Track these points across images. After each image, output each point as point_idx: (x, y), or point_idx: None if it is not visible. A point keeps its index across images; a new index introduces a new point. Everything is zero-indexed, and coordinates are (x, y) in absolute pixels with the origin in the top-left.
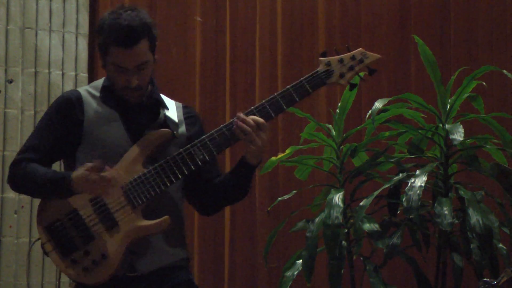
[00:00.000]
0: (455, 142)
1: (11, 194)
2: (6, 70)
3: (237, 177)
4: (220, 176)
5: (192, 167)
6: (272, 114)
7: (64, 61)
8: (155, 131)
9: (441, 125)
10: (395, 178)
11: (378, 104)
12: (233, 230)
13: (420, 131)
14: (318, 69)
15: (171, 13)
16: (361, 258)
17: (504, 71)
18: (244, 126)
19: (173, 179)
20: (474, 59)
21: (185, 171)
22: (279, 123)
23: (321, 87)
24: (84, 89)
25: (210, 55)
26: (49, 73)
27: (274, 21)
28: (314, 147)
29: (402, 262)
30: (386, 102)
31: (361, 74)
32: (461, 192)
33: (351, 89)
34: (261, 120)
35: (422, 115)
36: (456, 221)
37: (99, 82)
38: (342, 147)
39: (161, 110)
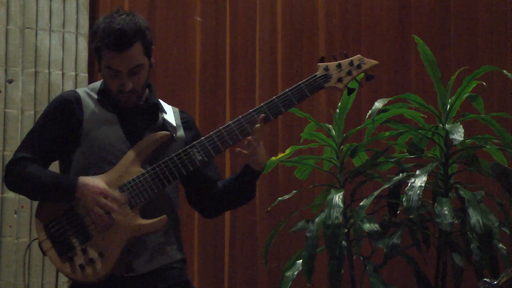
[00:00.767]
0: (455, 142)
1: (11, 194)
2: (6, 70)
3: (242, 183)
4: (220, 178)
5: (191, 167)
6: (271, 117)
7: (64, 61)
8: (155, 133)
9: (441, 125)
10: (395, 178)
11: (378, 104)
12: (233, 230)
13: (420, 131)
14: (316, 73)
15: (171, 13)
16: (361, 258)
17: (504, 71)
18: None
19: (171, 179)
20: (474, 59)
21: (184, 172)
22: (279, 123)
23: (319, 91)
24: (82, 90)
25: (210, 55)
26: (49, 73)
27: (274, 21)
28: (314, 147)
29: (402, 262)
30: (386, 102)
31: (359, 77)
32: (461, 192)
33: (349, 93)
34: (258, 127)
35: (422, 115)
36: (456, 221)
37: (97, 84)
38: (342, 147)
39: (160, 114)
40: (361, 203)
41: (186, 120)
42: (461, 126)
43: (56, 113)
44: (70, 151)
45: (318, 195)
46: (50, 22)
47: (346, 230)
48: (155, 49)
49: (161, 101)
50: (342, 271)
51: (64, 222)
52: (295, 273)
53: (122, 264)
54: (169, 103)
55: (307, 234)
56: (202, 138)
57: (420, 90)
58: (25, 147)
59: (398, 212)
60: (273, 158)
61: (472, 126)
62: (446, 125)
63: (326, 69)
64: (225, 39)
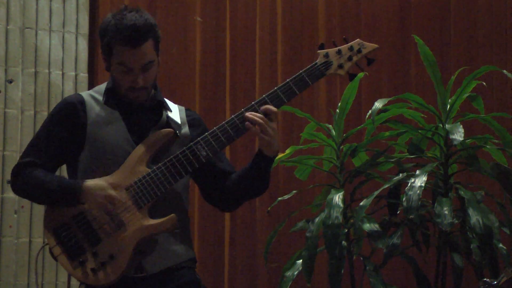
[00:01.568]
0: (455, 142)
1: (11, 194)
2: (6, 70)
3: (256, 171)
4: (233, 171)
5: (196, 164)
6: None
7: (64, 61)
8: (158, 131)
9: (441, 125)
10: (395, 178)
11: (378, 104)
12: (233, 230)
13: (420, 131)
14: (316, 61)
15: (171, 13)
16: (361, 258)
17: (504, 71)
18: (255, 117)
19: (177, 177)
20: (474, 59)
21: (189, 168)
22: (279, 123)
23: (321, 79)
24: (87, 93)
25: (210, 55)
26: (49, 73)
27: (274, 21)
28: (314, 147)
29: (402, 262)
30: (386, 102)
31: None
32: (461, 192)
33: (350, 79)
34: (273, 108)
35: (422, 115)
36: (456, 221)
37: (102, 86)
38: (342, 147)
39: (164, 112)
40: (361, 203)
41: (192, 118)
42: (461, 126)
43: (61, 117)
44: (76, 154)
45: (318, 195)
46: (50, 22)
47: (346, 230)
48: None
49: (166, 100)
50: (342, 271)
51: (74, 227)
52: (295, 273)
53: (134, 264)
54: None
55: (307, 234)
56: (206, 133)
57: (420, 90)
58: (30, 152)
59: (398, 212)
60: None
61: (472, 126)
62: (446, 125)
63: (326, 56)
64: (225, 39)
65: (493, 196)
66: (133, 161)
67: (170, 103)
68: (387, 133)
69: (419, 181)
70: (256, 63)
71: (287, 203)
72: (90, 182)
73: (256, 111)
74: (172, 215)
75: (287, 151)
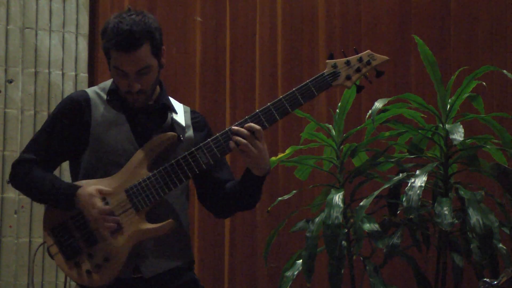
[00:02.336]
0: (455, 142)
1: (11, 194)
2: (6, 70)
3: (245, 188)
4: (231, 179)
5: (196, 170)
6: (277, 117)
7: (64, 61)
8: (161, 135)
9: (441, 125)
10: (395, 178)
11: (378, 104)
12: (233, 230)
13: (420, 131)
14: (324, 71)
15: (171, 13)
16: (361, 258)
17: (504, 71)
18: (238, 138)
19: (177, 182)
20: (474, 59)
21: (190, 175)
22: (279, 123)
23: (327, 89)
24: (92, 90)
25: (210, 55)
26: (49, 73)
27: (274, 21)
28: (314, 147)
29: (402, 262)
30: (386, 102)
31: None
32: (461, 192)
33: (358, 91)
34: (256, 127)
35: (422, 115)
36: (456, 221)
37: (107, 83)
38: (342, 147)
39: (169, 114)
40: (361, 203)
41: (197, 121)
42: (461, 126)
43: (65, 115)
44: (78, 153)
45: (318, 195)
46: (50, 22)
47: (346, 230)
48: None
49: (172, 100)
50: (342, 271)
51: (71, 226)
52: (295, 273)
53: (130, 267)
54: None
55: (307, 234)
56: (208, 140)
57: (420, 90)
58: (32, 148)
59: (398, 212)
60: (273, 158)
61: (472, 126)
62: (446, 125)
63: (334, 66)
64: (225, 39)
65: (493, 196)
66: (134, 164)
67: (175, 103)
68: (387, 133)
69: (419, 181)
70: (256, 63)
71: (287, 203)
72: (85, 188)
73: (261, 119)
74: (170, 220)
75: (287, 151)
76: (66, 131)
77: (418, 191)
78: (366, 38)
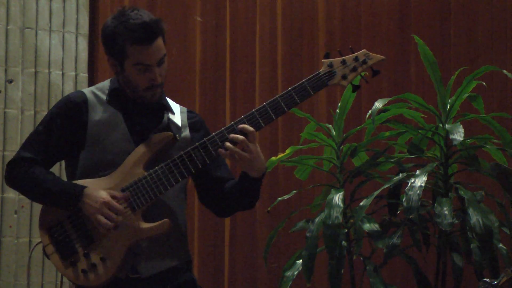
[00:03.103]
0: (455, 142)
1: (11, 194)
2: (6, 70)
3: (243, 189)
4: (231, 178)
5: (192, 169)
6: (273, 116)
7: (64, 61)
8: (157, 134)
9: (441, 125)
10: (395, 178)
11: (378, 104)
12: (233, 230)
13: (420, 131)
14: (320, 70)
15: (171, 13)
16: (361, 258)
17: (504, 71)
18: (229, 145)
19: (173, 181)
20: (474, 59)
21: (185, 173)
22: (279, 123)
23: (323, 89)
24: (89, 91)
25: (210, 55)
26: (49, 73)
27: (274, 21)
28: (314, 147)
29: (402, 262)
30: (386, 102)
31: (363, 73)
32: (461, 192)
33: (353, 90)
34: (249, 129)
35: (422, 115)
36: (456, 221)
37: (106, 84)
38: (342, 147)
39: (165, 114)
40: (361, 203)
41: (194, 121)
42: (461, 126)
43: (62, 115)
44: (75, 152)
45: (318, 195)
46: (50, 22)
47: (346, 230)
48: None
49: (169, 100)
50: (342, 271)
51: (68, 226)
52: (295, 273)
53: (126, 266)
54: None
55: (307, 234)
56: (204, 139)
57: (420, 90)
58: (28, 147)
59: (398, 212)
60: (273, 158)
61: (472, 126)
62: (446, 125)
63: (330, 65)
64: (225, 39)
65: (493, 196)
66: (130, 163)
67: (173, 104)
68: (387, 133)
69: (419, 181)
70: (256, 63)
71: (287, 203)
72: (91, 190)
73: (257, 119)
74: (166, 219)
75: (287, 151)
76: (64, 131)
77: (418, 191)
78: (366, 38)
